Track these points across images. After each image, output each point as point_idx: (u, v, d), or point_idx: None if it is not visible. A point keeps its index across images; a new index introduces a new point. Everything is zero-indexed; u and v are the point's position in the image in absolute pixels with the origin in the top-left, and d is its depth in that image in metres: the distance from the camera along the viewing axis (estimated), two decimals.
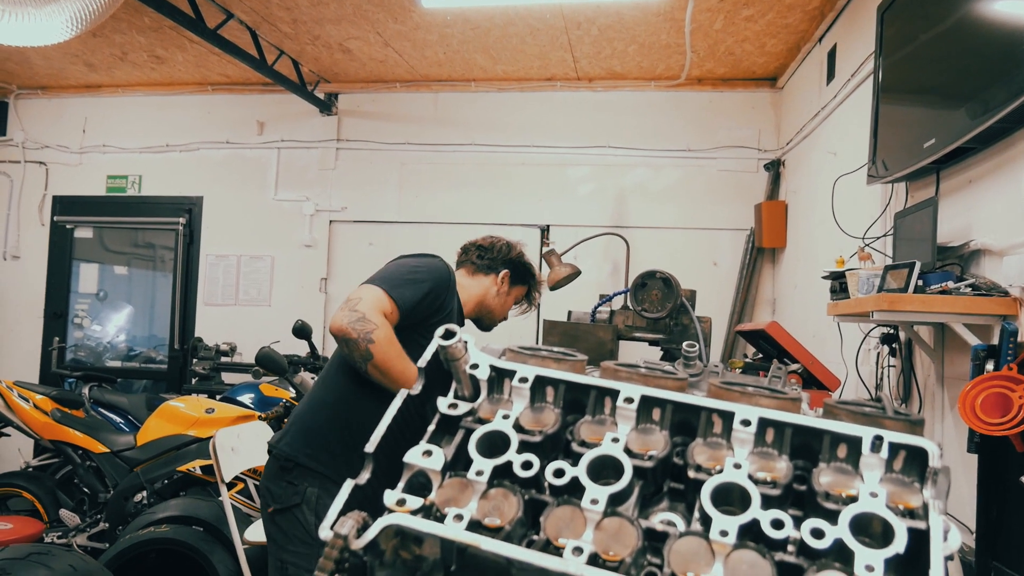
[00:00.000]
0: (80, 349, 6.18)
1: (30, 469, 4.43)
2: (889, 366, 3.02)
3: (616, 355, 4.12)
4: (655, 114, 5.36)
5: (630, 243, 5.14)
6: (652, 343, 3.99)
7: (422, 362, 0.83)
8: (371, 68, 5.41)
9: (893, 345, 2.93)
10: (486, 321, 2.49)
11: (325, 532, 0.68)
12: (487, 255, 2.41)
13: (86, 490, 4.04)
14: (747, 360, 3.18)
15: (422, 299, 2.03)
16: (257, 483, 3.61)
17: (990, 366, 1.69)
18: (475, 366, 0.81)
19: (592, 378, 0.78)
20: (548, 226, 5.16)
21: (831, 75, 4.07)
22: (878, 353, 3.09)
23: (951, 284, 2.30)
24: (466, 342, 0.81)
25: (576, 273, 4.40)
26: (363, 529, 0.68)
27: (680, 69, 5.04)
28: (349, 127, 5.76)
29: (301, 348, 4.66)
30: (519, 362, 0.82)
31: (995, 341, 2.05)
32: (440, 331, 0.78)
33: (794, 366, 2.82)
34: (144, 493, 3.76)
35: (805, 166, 4.50)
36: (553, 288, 4.42)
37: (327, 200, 5.75)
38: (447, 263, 2.26)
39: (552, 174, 5.46)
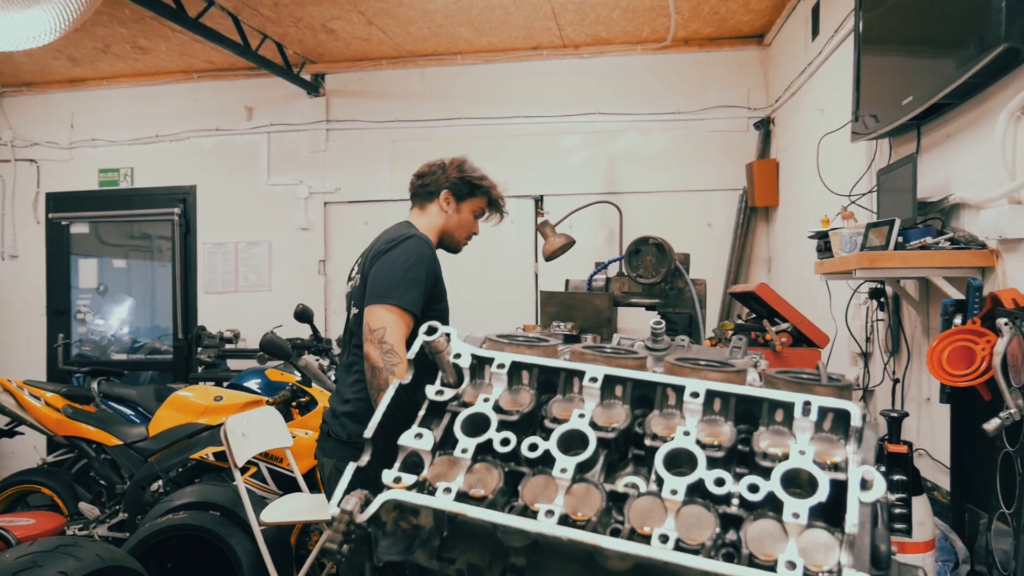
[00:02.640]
0: (85, 344, 6.32)
1: (46, 465, 4.58)
2: (878, 320, 3.13)
3: (614, 322, 4.24)
4: (643, 78, 5.41)
5: (624, 209, 5.22)
6: (649, 308, 4.11)
7: (410, 354, 0.94)
8: (356, 47, 5.45)
9: (881, 300, 3.04)
10: (449, 244, 2.53)
11: (332, 509, 0.80)
12: (423, 182, 2.50)
13: (103, 482, 4.19)
14: (740, 322, 3.29)
15: (425, 289, 2.22)
16: (269, 466, 3.76)
17: (958, 320, 1.80)
18: (458, 355, 0.92)
19: (561, 361, 0.89)
20: (542, 196, 5.24)
21: (816, 31, 4.11)
22: (867, 308, 3.20)
23: (930, 239, 2.40)
24: (448, 335, 0.92)
25: (571, 243, 4.49)
26: (366, 505, 0.79)
27: (666, 31, 5.08)
28: (338, 107, 5.82)
29: (304, 331, 4.79)
30: (497, 350, 0.93)
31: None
32: (424, 328, 0.89)
33: (784, 325, 2.93)
34: (160, 482, 3.91)
35: (794, 124, 4.57)
36: (549, 259, 4.52)
37: (320, 182, 5.83)
38: (416, 231, 2.35)
39: (543, 144, 5.53)
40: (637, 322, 4.89)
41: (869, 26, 3.08)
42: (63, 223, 6.22)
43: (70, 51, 5.44)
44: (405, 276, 2.20)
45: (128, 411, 4.59)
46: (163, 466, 3.93)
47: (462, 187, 2.49)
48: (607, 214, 5.32)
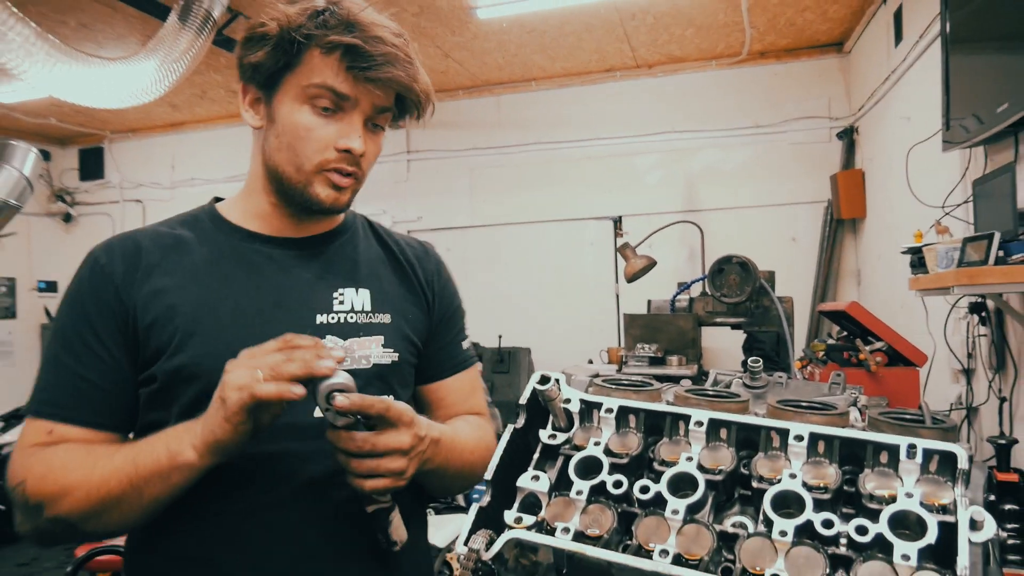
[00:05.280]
0: None
1: None
2: (979, 335, 3.02)
3: (699, 343, 4.23)
4: (719, 93, 5.39)
5: (705, 226, 5.20)
6: (734, 327, 4.08)
7: (523, 399, 1.01)
8: (433, 79, 5.53)
9: (982, 314, 2.94)
10: (294, 193, 1.17)
11: (461, 548, 0.87)
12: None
13: None
14: (831, 341, 3.23)
15: (67, 366, 1.07)
16: None
17: None
18: (567, 401, 0.98)
19: (667, 406, 0.95)
20: (620, 217, 5.25)
21: (899, 37, 4.03)
22: (967, 323, 3.09)
23: None
24: (558, 380, 0.98)
25: (652, 264, 4.51)
26: (490, 543, 0.86)
27: (741, 46, 5.06)
28: (417, 138, 6.02)
29: None
30: (604, 395, 0.99)
31: None
32: (536, 377, 0.96)
33: (878, 344, 2.87)
34: None
35: (879, 133, 4.47)
36: (630, 280, 4.55)
37: (403, 211, 6.03)
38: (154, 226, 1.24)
39: (620, 165, 5.57)
40: (721, 342, 4.85)
41: (958, 27, 3.00)
42: None
43: (171, 98, 5.82)
44: (45, 355, 1.11)
45: None
46: None
47: (263, 66, 1.11)
48: (688, 233, 5.30)
